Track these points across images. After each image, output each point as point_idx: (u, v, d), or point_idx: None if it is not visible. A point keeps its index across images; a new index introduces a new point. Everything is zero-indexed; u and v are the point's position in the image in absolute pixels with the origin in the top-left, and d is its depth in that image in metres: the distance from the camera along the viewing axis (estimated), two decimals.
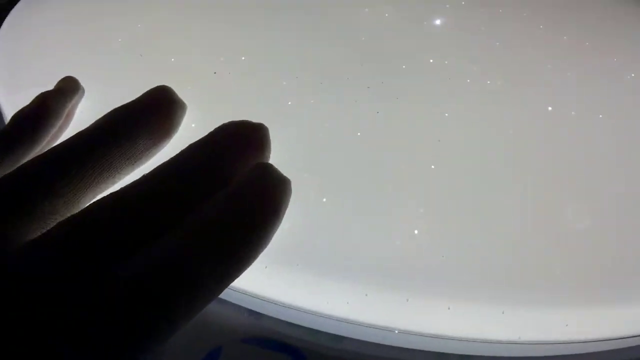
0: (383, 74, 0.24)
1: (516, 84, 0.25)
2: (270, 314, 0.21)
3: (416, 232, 0.20)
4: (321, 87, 0.24)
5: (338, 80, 0.24)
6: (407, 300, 0.19)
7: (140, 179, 0.15)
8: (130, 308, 0.12)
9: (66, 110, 0.21)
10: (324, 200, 0.20)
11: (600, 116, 0.24)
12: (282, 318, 0.21)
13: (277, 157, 0.18)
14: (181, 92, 0.19)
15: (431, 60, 0.26)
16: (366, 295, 0.19)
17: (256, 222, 0.15)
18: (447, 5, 0.28)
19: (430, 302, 0.19)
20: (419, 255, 0.19)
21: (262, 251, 0.15)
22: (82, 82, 0.23)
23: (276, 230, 0.15)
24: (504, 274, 0.19)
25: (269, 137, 0.17)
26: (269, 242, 0.15)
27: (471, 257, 0.19)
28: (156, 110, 0.18)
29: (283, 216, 0.16)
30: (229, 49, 0.25)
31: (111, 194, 0.15)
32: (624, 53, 0.29)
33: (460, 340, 0.19)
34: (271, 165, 0.16)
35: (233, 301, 0.21)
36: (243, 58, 0.25)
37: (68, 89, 0.21)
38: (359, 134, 0.22)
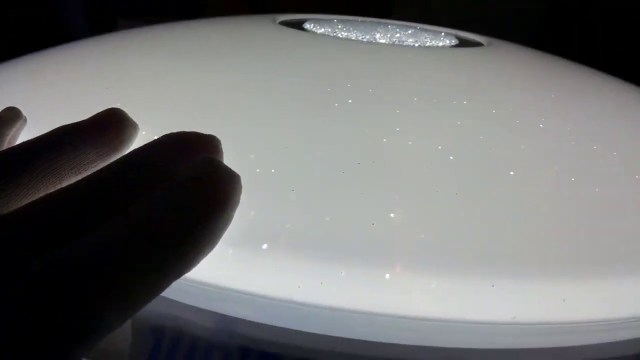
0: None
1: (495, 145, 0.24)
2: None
3: (392, 215, 0.19)
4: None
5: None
6: (387, 276, 0.17)
7: (78, 180, 0.15)
8: (47, 305, 0.11)
9: (7, 139, 0.21)
10: (292, 190, 0.19)
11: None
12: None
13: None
14: None
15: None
16: (342, 273, 0.17)
17: (200, 214, 0.14)
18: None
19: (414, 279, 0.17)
20: (398, 231, 0.18)
21: (209, 249, 0.14)
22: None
23: (225, 227, 0.14)
24: (492, 245, 0.17)
25: (221, 147, 0.17)
26: (217, 239, 0.14)
27: (455, 229, 0.18)
28: (105, 125, 0.18)
29: (232, 213, 0.15)
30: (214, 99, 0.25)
31: (47, 194, 0.14)
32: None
33: (446, 322, 0.17)
34: (218, 160, 0.16)
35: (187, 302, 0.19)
36: (224, 105, 0.25)
37: (9, 118, 0.22)
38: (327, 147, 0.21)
